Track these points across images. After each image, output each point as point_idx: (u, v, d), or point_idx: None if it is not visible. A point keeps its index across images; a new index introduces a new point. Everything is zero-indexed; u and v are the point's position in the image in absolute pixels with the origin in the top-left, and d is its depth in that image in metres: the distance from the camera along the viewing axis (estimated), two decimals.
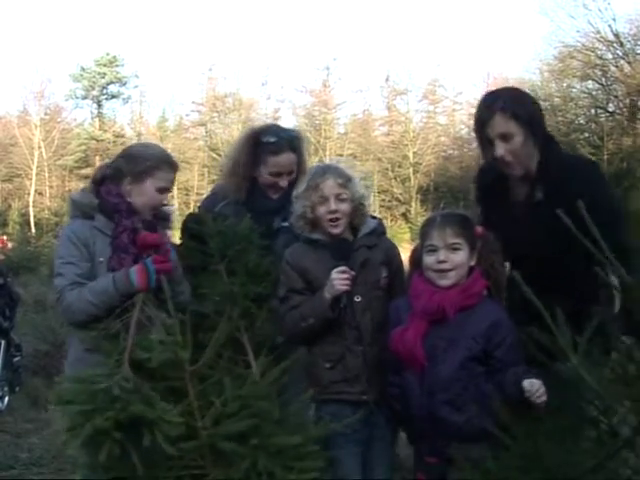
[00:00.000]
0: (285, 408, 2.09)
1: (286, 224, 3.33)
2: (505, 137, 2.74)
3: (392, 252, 3.05)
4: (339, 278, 2.81)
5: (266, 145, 3.39)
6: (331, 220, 2.91)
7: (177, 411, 2.01)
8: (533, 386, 2.35)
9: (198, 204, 3.87)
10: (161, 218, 3.05)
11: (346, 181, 2.94)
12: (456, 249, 2.67)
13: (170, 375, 2.10)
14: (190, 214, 3.38)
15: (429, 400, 2.60)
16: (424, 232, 2.75)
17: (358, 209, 2.97)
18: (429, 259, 2.69)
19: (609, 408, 1.67)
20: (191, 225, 3.18)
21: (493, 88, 3.13)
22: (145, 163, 2.94)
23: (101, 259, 2.84)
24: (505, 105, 2.74)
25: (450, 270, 2.65)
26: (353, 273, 2.83)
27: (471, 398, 2.52)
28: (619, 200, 2.63)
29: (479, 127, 2.83)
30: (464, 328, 2.60)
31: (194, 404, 2.02)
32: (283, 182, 3.40)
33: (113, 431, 1.93)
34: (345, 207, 2.92)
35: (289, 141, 3.42)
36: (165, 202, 3.03)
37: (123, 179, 2.95)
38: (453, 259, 2.66)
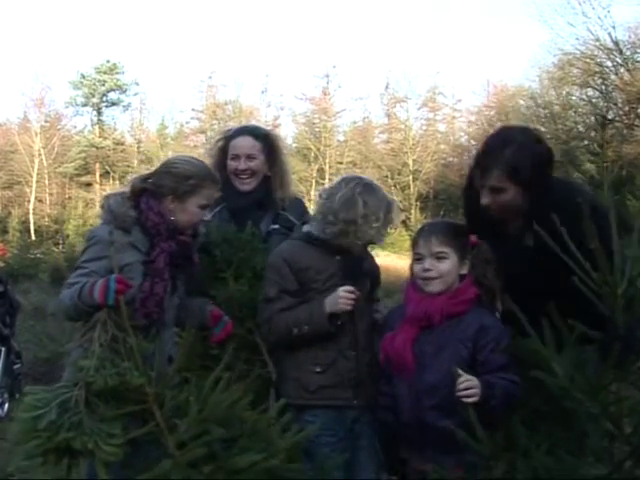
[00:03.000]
0: (257, 422, 2.07)
1: (276, 226, 3.38)
2: (496, 190, 2.69)
3: (374, 263, 3.12)
4: (346, 297, 2.79)
5: (229, 136, 3.55)
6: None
7: (142, 432, 2.00)
8: (461, 382, 2.40)
9: None
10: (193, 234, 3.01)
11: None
12: (441, 258, 2.69)
13: (133, 398, 2.07)
14: None
15: (417, 406, 2.61)
16: (413, 241, 2.80)
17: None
18: (416, 267, 2.73)
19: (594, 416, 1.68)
20: None
21: (508, 125, 3.10)
22: (189, 182, 2.89)
23: (131, 276, 2.72)
24: (508, 161, 2.64)
25: (435, 278, 2.67)
26: (359, 294, 2.82)
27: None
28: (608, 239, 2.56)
29: (476, 165, 2.77)
30: (452, 334, 2.62)
31: (162, 425, 2.00)
32: (241, 164, 3.46)
33: (48, 456, 1.93)
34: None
35: (250, 128, 3.58)
36: (206, 218, 3.01)
37: (165, 196, 2.90)
38: (438, 267, 2.68)
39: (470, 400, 2.36)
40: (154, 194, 2.91)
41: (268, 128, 3.77)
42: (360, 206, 2.83)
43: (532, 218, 2.60)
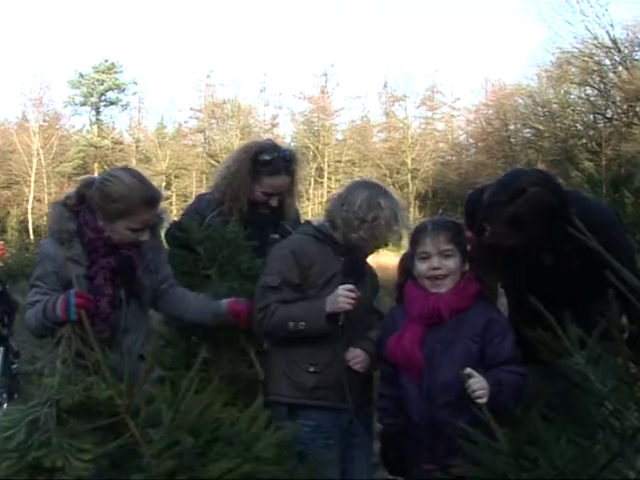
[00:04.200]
0: (233, 426, 2.05)
1: (276, 236, 3.37)
2: (499, 236, 2.59)
3: (373, 271, 3.11)
4: (345, 296, 2.77)
5: (263, 165, 3.42)
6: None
7: (117, 444, 1.99)
8: (472, 384, 2.43)
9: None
10: (152, 226, 2.88)
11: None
12: (449, 255, 2.68)
13: (105, 411, 2.06)
14: (173, 222, 3.33)
15: (429, 405, 2.60)
16: (416, 240, 2.74)
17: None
18: (422, 266, 2.70)
19: (616, 409, 1.67)
20: (178, 234, 3.18)
21: (518, 169, 2.83)
22: (114, 206, 2.70)
23: (75, 289, 2.66)
24: (513, 217, 2.50)
25: (444, 277, 2.66)
26: (359, 294, 2.80)
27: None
28: (629, 241, 2.46)
29: (481, 207, 2.63)
30: (460, 329, 2.62)
31: (137, 435, 1.98)
32: (274, 202, 3.46)
33: (22, 475, 1.92)
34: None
35: (286, 163, 3.46)
36: (144, 238, 2.81)
37: (97, 211, 2.77)
38: (447, 265, 2.67)
39: (481, 402, 2.36)
40: (90, 206, 2.78)
41: (295, 153, 3.61)
42: (383, 208, 2.83)
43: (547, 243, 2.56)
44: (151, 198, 2.78)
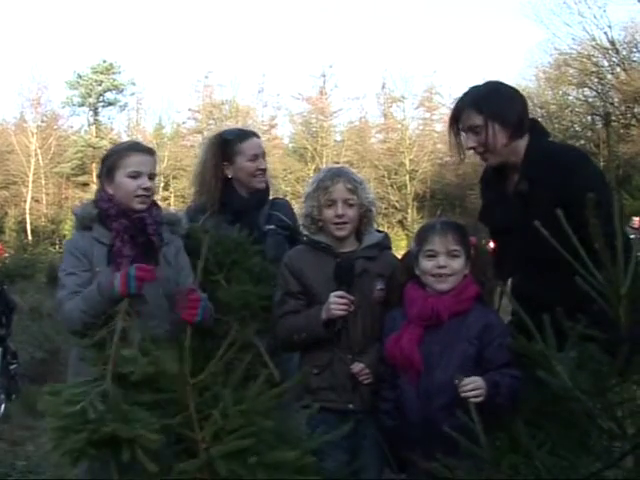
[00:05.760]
0: (284, 420, 2.07)
1: (272, 227, 3.37)
2: (473, 129, 2.79)
3: (387, 264, 3.00)
4: (336, 303, 2.78)
5: (232, 140, 3.49)
6: (337, 224, 2.91)
7: (176, 422, 1.99)
8: (465, 384, 2.42)
9: None
10: (168, 223, 3.01)
11: (355, 186, 2.94)
12: (455, 256, 2.69)
13: (168, 387, 2.06)
14: None
15: (426, 406, 2.60)
16: (423, 237, 2.75)
17: (365, 215, 2.97)
18: (428, 264, 2.70)
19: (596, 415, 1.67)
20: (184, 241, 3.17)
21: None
22: (110, 159, 2.96)
23: (98, 269, 2.83)
24: (472, 99, 2.80)
25: (449, 275, 2.67)
26: (352, 298, 2.80)
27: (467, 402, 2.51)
28: (607, 190, 2.58)
29: (452, 122, 2.89)
30: (458, 332, 2.62)
31: (193, 417, 2.00)
32: (262, 164, 3.48)
33: (88, 449, 1.91)
34: (352, 213, 2.92)
35: (251, 130, 3.61)
36: (146, 185, 2.92)
37: (105, 183, 2.97)
38: (452, 265, 2.68)
39: (477, 400, 2.36)
40: (101, 186, 3.01)
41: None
42: (309, 189, 3.00)
43: (525, 163, 2.77)
44: (136, 144, 3.08)
